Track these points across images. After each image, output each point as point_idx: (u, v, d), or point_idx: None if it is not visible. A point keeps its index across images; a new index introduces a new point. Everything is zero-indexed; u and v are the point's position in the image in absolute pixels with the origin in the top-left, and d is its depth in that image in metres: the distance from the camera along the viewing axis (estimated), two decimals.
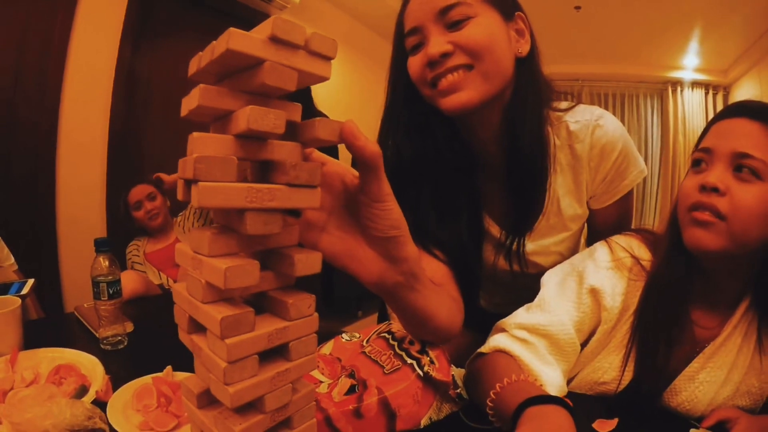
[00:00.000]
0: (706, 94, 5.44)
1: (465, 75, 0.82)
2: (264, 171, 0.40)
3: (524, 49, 0.88)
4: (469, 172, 0.94)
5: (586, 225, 1.05)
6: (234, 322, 0.37)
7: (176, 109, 0.39)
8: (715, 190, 0.74)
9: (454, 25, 0.82)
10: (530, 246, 0.98)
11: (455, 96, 0.82)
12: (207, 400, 0.44)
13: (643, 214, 6.06)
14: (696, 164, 0.81)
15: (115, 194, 2.36)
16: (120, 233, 2.27)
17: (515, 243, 0.96)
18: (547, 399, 0.63)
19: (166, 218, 2.15)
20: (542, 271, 0.94)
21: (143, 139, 2.58)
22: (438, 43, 0.81)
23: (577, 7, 3.95)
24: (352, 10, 4.00)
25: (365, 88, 4.44)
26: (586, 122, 0.92)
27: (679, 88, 5.56)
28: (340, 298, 2.69)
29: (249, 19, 2.91)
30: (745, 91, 4.88)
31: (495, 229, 0.99)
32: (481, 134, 0.92)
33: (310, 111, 1.89)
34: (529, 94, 0.88)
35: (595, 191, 0.96)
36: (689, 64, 5.26)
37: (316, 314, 0.43)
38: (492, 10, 0.83)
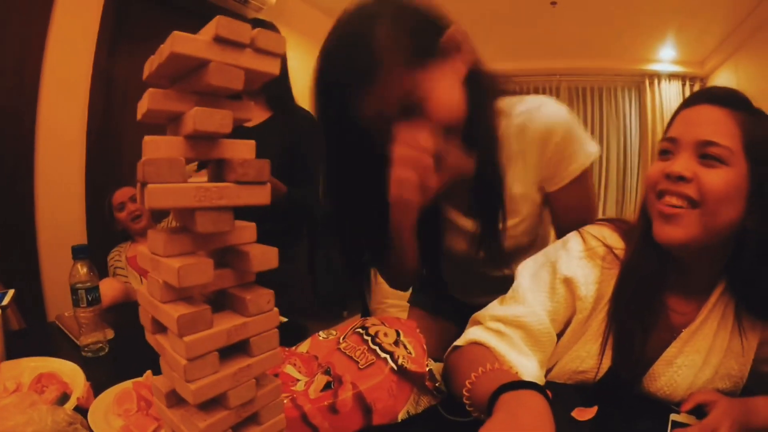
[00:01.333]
0: (684, 85, 5.51)
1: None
2: (219, 170, 0.41)
3: (463, 70, 0.86)
4: None
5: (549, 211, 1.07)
6: (191, 320, 0.37)
7: None
8: (681, 178, 0.75)
9: (406, 115, 0.80)
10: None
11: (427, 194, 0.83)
12: (175, 399, 0.45)
13: (623, 206, 6.12)
14: (663, 153, 0.81)
15: (94, 200, 2.34)
16: (100, 240, 2.25)
17: (492, 234, 0.98)
18: (521, 384, 0.64)
19: (149, 222, 2.13)
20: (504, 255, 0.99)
21: (122, 144, 2.56)
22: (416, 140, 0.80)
23: (553, 3, 3.98)
24: (329, 10, 3.99)
25: None
26: (528, 110, 0.93)
27: (656, 81, 5.63)
28: (326, 298, 2.69)
29: None
30: (722, 82, 4.94)
31: (468, 223, 1.00)
32: None
33: (291, 108, 1.89)
34: (481, 104, 0.89)
35: (543, 174, 0.97)
36: (666, 57, 5.32)
37: (276, 309, 0.44)
38: (425, 70, 0.80)
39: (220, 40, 0.35)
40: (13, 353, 1.03)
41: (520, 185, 0.96)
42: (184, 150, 0.36)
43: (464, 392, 0.71)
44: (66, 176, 2.31)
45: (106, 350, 1.12)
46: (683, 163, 0.75)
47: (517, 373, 0.76)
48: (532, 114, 0.92)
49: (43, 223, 2.21)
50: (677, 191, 0.75)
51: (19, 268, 2.14)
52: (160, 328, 0.42)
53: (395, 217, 0.87)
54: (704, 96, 0.79)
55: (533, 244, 1.06)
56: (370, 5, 0.81)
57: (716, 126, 0.74)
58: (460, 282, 1.20)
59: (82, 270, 1.10)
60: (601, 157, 6.17)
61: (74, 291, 1.10)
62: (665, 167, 0.77)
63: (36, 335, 1.35)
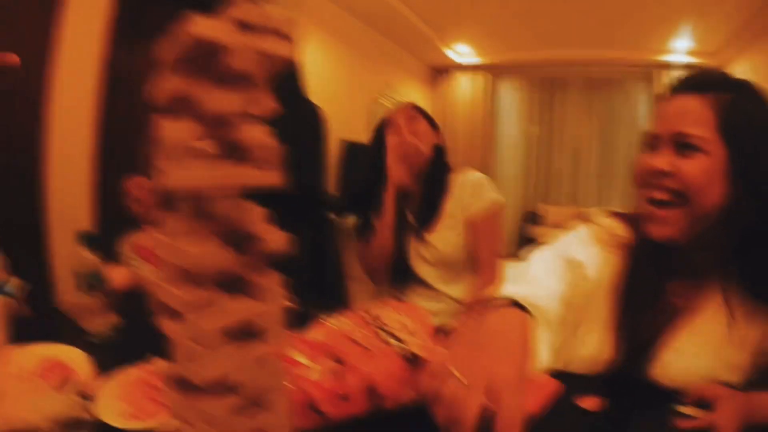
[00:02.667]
0: None
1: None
2: (232, 152, 0.40)
3: (434, 139, 1.64)
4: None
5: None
6: (202, 305, 0.37)
7: None
8: (663, 173, 0.77)
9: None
10: (431, 237, 1.61)
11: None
12: (183, 384, 0.44)
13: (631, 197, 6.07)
14: (647, 148, 0.84)
15: (102, 188, 2.35)
16: (109, 227, 2.26)
17: (422, 230, 1.63)
18: (510, 304, 0.67)
19: (154, 207, 2.12)
20: (439, 254, 1.60)
21: (131, 130, 2.55)
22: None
23: None
24: (344, 2, 3.98)
25: (353, 78, 4.44)
26: (462, 176, 1.63)
27: (670, 71, 5.56)
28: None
29: None
30: (736, 74, 4.86)
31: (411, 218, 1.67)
32: None
33: (299, 97, 1.87)
34: (439, 152, 1.65)
35: (467, 205, 1.58)
36: (680, 47, 5.25)
37: (286, 293, 0.43)
38: (427, 123, 1.63)
39: (237, 24, 0.35)
40: (17, 339, 1.03)
41: (452, 207, 1.60)
42: (198, 133, 0.36)
43: None
44: (75, 163, 2.32)
45: (113, 336, 1.12)
46: (663, 158, 0.78)
47: None
48: (464, 177, 1.62)
49: (52, 212, 2.22)
50: (661, 185, 0.78)
51: (26, 254, 2.14)
52: (171, 312, 0.41)
53: (392, 176, 1.56)
54: (678, 85, 0.81)
55: (459, 267, 1.62)
56: None
57: (689, 116, 0.76)
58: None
59: (89, 256, 1.10)
60: (610, 148, 6.19)
61: (81, 277, 1.10)
62: (648, 162, 0.80)
63: (41, 321, 1.35)
